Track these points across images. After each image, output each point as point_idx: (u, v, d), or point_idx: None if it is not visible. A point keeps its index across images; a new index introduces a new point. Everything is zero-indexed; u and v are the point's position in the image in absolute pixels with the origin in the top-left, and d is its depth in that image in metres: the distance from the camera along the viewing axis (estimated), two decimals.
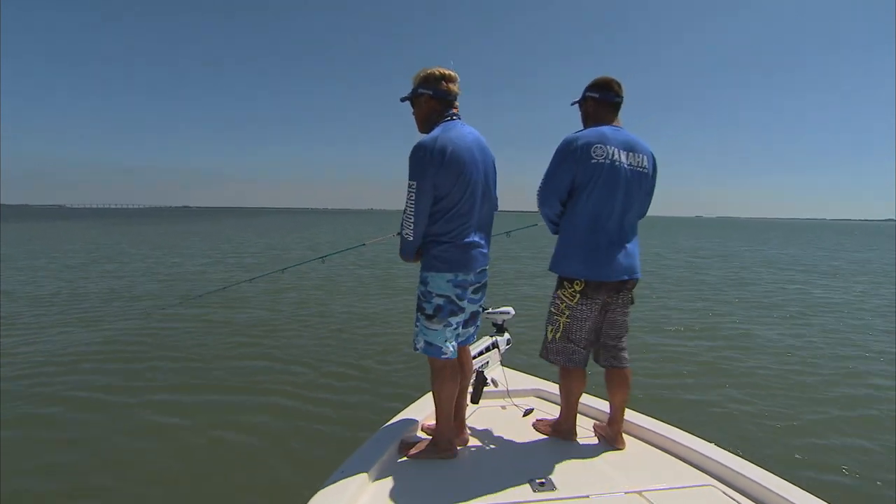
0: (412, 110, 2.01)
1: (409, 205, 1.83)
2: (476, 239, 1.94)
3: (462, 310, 1.95)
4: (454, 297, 1.91)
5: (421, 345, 1.96)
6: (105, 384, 4.28)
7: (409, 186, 1.82)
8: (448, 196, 1.85)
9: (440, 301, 1.90)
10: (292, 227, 40.48)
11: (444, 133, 1.85)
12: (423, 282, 1.94)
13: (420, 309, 1.95)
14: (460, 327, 1.98)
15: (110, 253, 15.92)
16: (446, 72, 1.93)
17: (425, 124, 1.97)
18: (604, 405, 2.25)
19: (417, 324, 1.97)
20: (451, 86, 1.93)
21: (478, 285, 2.01)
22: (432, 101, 1.93)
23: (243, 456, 3.12)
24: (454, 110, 1.96)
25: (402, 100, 2.01)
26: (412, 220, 1.85)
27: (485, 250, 1.99)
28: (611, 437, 2.12)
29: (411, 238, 1.88)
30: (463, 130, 1.90)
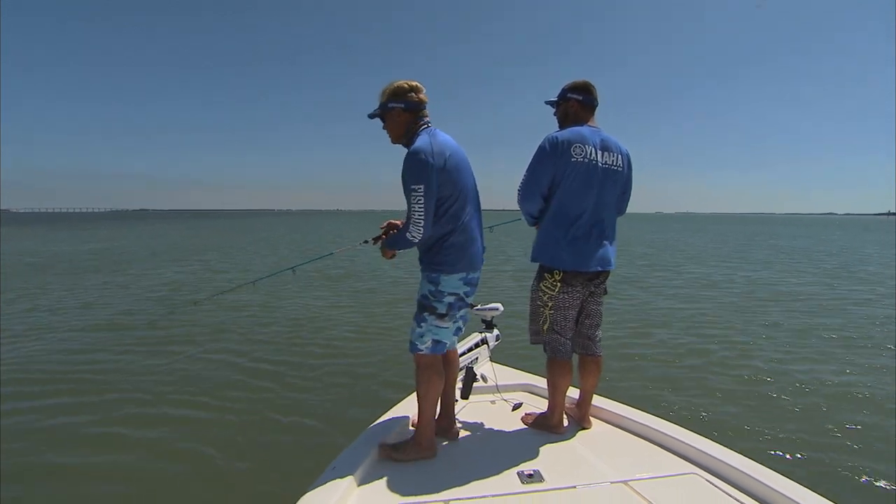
0: (383, 125, 2.02)
1: (417, 208, 1.84)
2: (478, 237, 2.03)
3: (466, 305, 2.05)
4: (463, 294, 1.99)
5: (428, 344, 1.99)
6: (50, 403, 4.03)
7: (415, 190, 1.83)
8: (449, 198, 1.91)
9: (451, 299, 1.97)
10: (245, 229, 39.16)
11: (435, 139, 1.90)
12: (433, 282, 1.96)
13: (429, 309, 1.97)
14: (461, 321, 2.09)
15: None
16: (412, 83, 1.97)
17: (402, 136, 1.99)
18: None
19: (422, 324, 1.98)
20: (420, 95, 1.98)
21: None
22: (405, 113, 1.96)
23: (228, 460, 3.02)
24: (426, 118, 2.00)
25: (371, 116, 2.02)
26: (422, 224, 1.86)
27: (482, 248, 2.08)
28: (579, 417, 2.27)
29: (416, 240, 1.91)
30: (446, 136, 1.98)
